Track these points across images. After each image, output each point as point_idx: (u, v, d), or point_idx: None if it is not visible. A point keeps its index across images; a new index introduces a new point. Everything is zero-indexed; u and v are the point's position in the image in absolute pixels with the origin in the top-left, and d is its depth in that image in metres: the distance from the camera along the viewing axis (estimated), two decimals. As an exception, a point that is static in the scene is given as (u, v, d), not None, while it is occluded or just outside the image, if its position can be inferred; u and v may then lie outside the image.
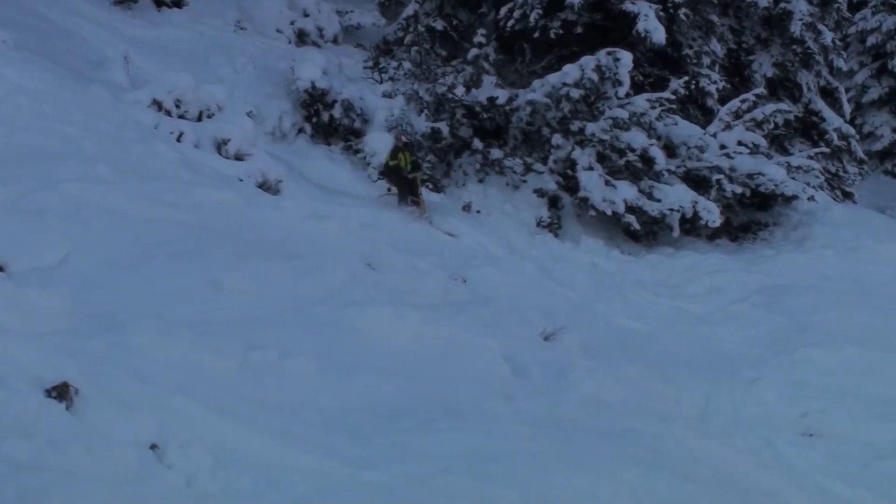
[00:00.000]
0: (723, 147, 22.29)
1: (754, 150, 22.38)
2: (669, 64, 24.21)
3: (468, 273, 15.43)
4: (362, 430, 8.33)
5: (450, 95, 22.08)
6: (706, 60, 24.29)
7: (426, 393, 9.59)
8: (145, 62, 21.31)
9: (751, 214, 22.87)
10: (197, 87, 19.29)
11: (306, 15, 28.23)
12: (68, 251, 10.15)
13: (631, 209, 20.80)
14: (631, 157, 21.28)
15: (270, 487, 7.01)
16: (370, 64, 24.48)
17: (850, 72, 32.82)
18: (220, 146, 18.17)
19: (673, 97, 22.30)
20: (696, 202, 21.04)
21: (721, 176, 21.85)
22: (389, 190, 19.60)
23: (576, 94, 21.41)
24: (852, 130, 27.88)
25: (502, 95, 21.96)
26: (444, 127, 21.91)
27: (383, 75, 23.70)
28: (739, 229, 22.60)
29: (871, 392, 12.88)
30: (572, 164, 21.48)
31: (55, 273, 9.69)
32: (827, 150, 25.65)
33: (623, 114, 21.40)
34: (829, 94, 27.54)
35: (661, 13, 22.93)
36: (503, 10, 24.03)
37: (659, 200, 20.97)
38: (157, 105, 18.51)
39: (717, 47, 24.80)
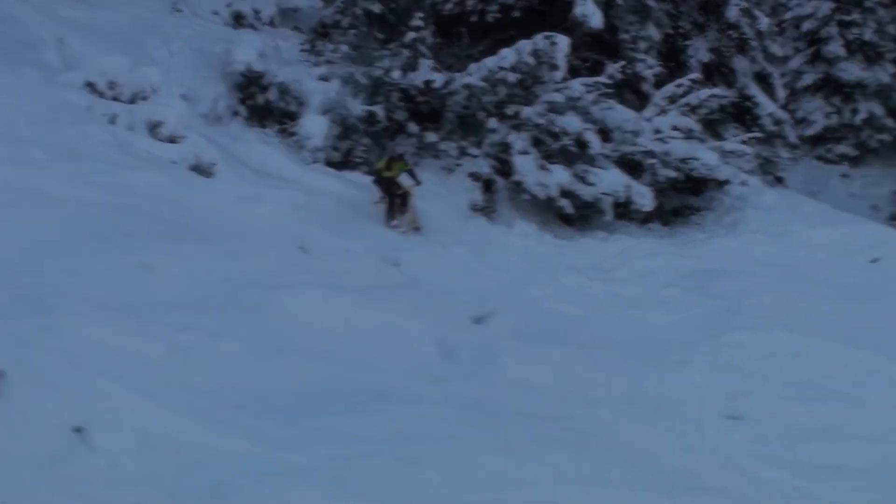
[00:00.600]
0: (657, 132, 22.44)
1: (688, 134, 22.54)
2: (606, 48, 24.25)
3: (401, 256, 15.51)
4: (289, 413, 8.39)
5: (386, 79, 21.99)
6: (642, 45, 24.36)
7: (355, 376, 9.66)
8: (80, 44, 21.02)
9: (684, 199, 23.00)
10: (131, 69, 19.18)
11: (243, -3, 28.04)
12: (-5, 234, 10.11)
13: (565, 193, 20.89)
14: (566, 141, 21.33)
15: (193, 470, 7.07)
16: (307, 47, 24.34)
17: (785, 58, 33.05)
18: (153, 129, 18.03)
19: (609, 82, 22.32)
20: (630, 186, 21.21)
21: (655, 160, 21.99)
22: (383, 197, 19.19)
23: (512, 77, 21.43)
24: (786, 116, 28.12)
25: (439, 79, 21.89)
26: (379, 110, 21.85)
27: (320, 58, 23.59)
28: (672, 214, 22.77)
29: (798, 376, 12.98)
30: (507, 148, 21.52)
31: (-20, 256, 9.66)
32: (760, 135, 25.81)
33: (559, 98, 21.47)
34: (763, 80, 27.69)
35: (599, -3, 23.02)
36: (442, -6, 23.96)
37: (593, 185, 21.04)
38: (91, 87, 18.41)
39: (653, 32, 24.83)
